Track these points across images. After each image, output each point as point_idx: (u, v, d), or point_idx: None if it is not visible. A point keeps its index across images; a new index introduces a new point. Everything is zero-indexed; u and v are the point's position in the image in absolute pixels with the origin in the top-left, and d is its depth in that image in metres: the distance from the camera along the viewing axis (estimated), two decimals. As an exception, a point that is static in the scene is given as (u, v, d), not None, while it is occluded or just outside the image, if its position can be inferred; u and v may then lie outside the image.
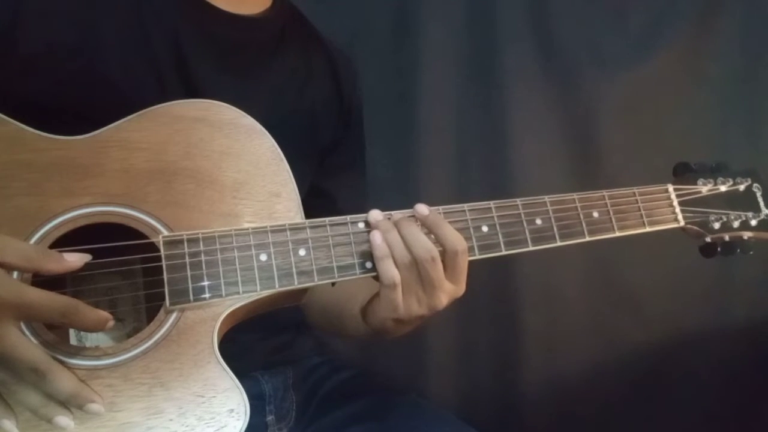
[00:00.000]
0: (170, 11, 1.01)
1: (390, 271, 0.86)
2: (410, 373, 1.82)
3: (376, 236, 0.87)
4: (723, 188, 1.09)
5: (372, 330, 0.97)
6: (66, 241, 0.79)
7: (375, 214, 0.89)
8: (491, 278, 1.83)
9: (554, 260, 1.84)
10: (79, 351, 0.78)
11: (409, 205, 0.92)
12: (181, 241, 0.82)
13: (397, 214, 0.90)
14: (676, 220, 1.06)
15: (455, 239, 0.88)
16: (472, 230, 0.93)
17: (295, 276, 0.85)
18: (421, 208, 0.90)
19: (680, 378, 1.94)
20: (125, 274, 0.86)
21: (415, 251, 0.86)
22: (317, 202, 1.14)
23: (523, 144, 1.85)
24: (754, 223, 1.09)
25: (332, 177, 1.21)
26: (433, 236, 0.88)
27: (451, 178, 1.83)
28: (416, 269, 0.87)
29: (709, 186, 1.08)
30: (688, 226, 1.06)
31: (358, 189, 1.27)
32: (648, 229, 1.02)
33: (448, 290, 0.89)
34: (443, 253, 0.88)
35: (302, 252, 0.86)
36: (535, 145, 1.86)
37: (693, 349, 1.93)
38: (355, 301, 1.01)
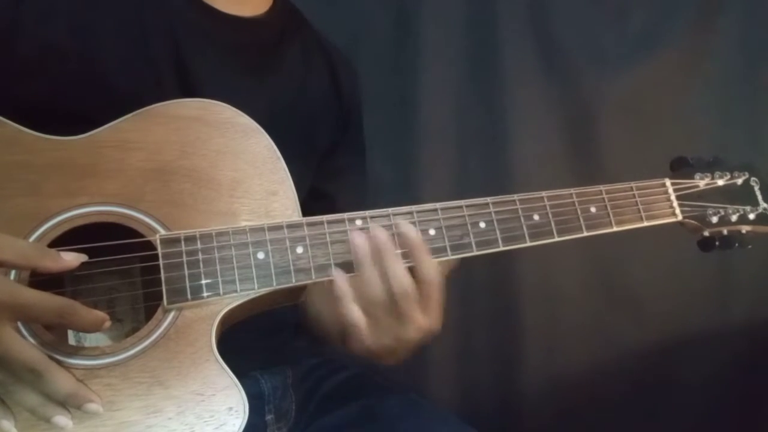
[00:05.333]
0: (169, 13, 1.01)
1: (353, 313, 0.86)
2: (410, 373, 1.82)
3: (340, 280, 0.85)
4: (720, 182, 1.08)
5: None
6: (63, 241, 0.79)
7: (356, 245, 0.86)
8: (491, 277, 1.82)
9: (554, 259, 1.84)
10: (77, 351, 0.78)
11: (409, 204, 0.92)
12: (178, 240, 0.82)
13: (381, 235, 0.86)
14: (673, 214, 1.05)
15: (434, 271, 0.87)
16: (469, 226, 0.93)
17: (292, 274, 0.85)
18: (409, 231, 0.87)
19: (680, 378, 1.93)
20: (123, 274, 0.86)
21: (393, 284, 0.85)
22: (318, 204, 1.14)
23: (523, 144, 1.85)
24: (752, 216, 1.08)
25: (332, 179, 1.21)
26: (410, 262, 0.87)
27: (451, 178, 1.82)
28: (386, 308, 0.86)
29: (707, 180, 1.07)
30: (686, 220, 1.06)
31: (358, 191, 1.27)
32: (646, 223, 1.01)
33: (422, 324, 0.88)
34: (419, 283, 0.86)
35: (300, 250, 0.86)
36: (535, 145, 1.86)
37: (693, 348, 1.92)
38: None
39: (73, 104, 0.92)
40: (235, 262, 0.83)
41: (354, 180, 1.27)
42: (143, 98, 0.89)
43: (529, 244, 0.96)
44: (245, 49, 1.08)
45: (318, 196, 1.17)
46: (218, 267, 0.82)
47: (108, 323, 0.74)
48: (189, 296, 0.81)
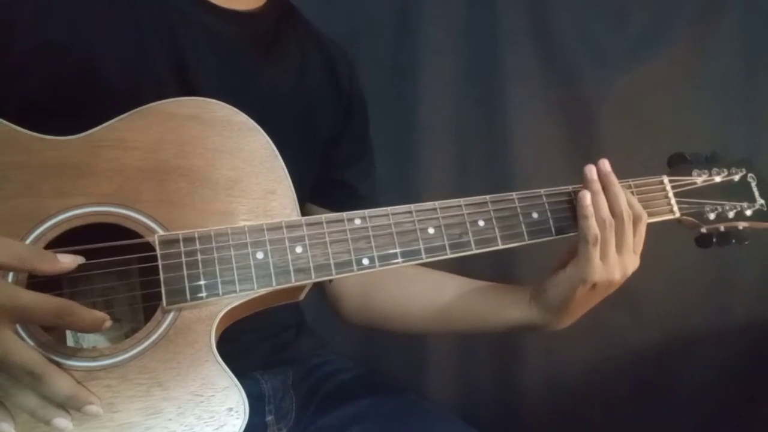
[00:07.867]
0: (166, 8, 1.00)
1: (593, 228, 0.95)
2: (410, 372, 1.82)
3: (586, 198, 0.96)
4: (718, 179, 1.08)
5: (538, 315, 1.14)
6: (61, 241, 0.79)
7: (590, 172, 0.98)
8: (491, 277, 1.82)
9: (554, 259, 1.84)
10: (76, 352, 0.77)
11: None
12: (176, 240, 0.81)
13: (607, 166, 0.99)
14: (671, 211, 1.05)
15: (641, 207, 0.99)
16: (468, 225, 0.93)
17: (292, 273, 0.84)
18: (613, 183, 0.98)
19: (680, 378, 1.94)
20: (121, 275, 0.85)
21: (617, 210, 0.96)
22: (337, 191, 1.16)
23: (523, 144, 1.86)
24: (749, 213, 1.08)
25: (347, 166, 1.23)
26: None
27: (451, 178, 1.83)
28: (612, 230, 0.96)
29: (704, 177, 1.07)
30: (684, 217, 1.06)
31: (372, 174, 1.28)
32: (644, 220, 1.02)
33: (631, 260, 0.98)
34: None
35: (299, 249, 0.85)
36: (535, 145, 1.86)
37: (693, 349, 1.93)
38: (483, 298, 1.17)
39: (70, 102, 0.91)
40: (234, 262, 0.83)
41: (366, 165, 1.28)
42: (141, 96, 0.88)
43: (528, 242, 0.96)
44: (242, 43, 1.07)
45: (335, 184, 1.19)
46: (217, 267, 0.82)
47: (108, 323, 0.74)
48: (188, 297, 0.80)
